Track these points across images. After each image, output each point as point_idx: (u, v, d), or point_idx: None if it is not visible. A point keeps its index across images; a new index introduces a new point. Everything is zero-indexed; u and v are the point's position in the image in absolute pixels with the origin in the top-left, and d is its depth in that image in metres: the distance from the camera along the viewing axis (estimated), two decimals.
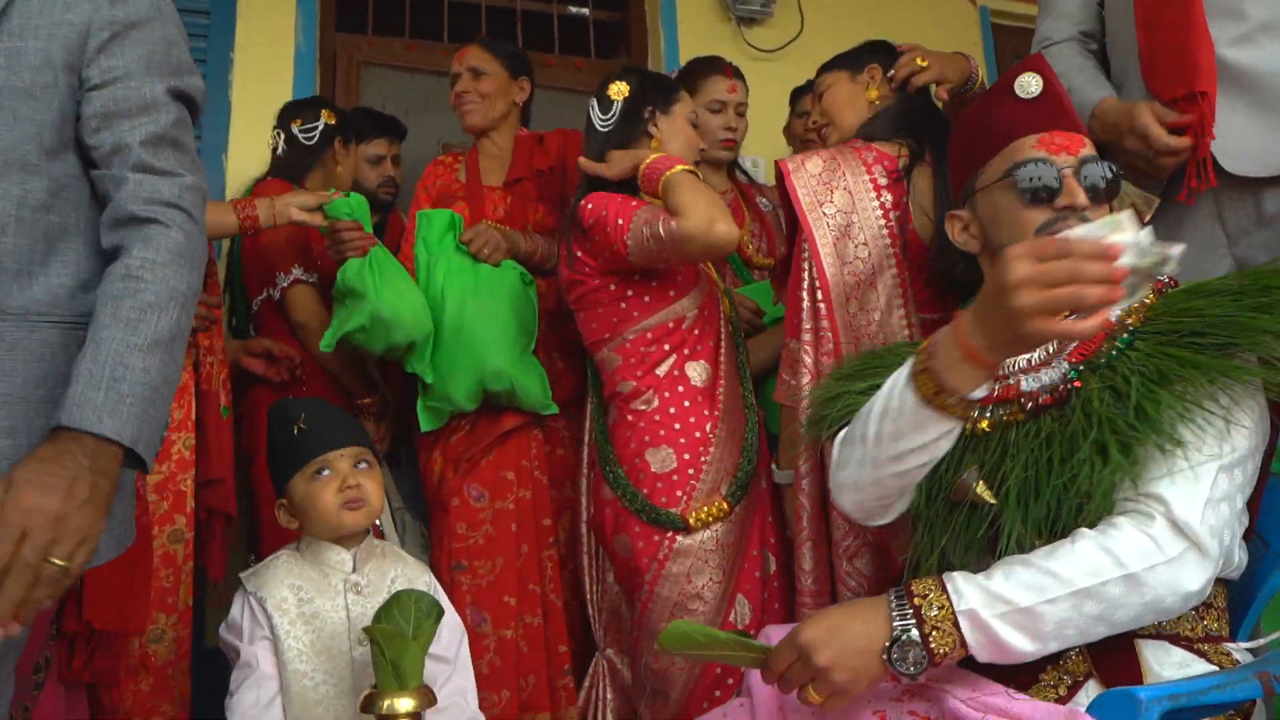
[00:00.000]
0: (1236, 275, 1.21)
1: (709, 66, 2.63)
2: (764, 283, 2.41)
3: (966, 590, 1.08)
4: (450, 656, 1.65)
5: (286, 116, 2.61)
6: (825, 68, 2.13)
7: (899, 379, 1.15)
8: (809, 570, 1.76)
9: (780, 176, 1.87)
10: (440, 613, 1.51)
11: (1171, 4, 1.63)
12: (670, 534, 1.86)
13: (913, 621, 1.08)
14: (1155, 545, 1.07)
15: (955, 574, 1.11)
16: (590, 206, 1.92)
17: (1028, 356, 1.29)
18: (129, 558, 1.40)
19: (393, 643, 1.42)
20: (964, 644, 1.07)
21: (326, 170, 2.58)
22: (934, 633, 1.07)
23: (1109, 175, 1.28)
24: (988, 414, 1.27)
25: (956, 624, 1.07)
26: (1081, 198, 1.25)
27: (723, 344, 2.00)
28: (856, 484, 1.27)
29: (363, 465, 1.66)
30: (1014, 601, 1.06)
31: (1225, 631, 1.21)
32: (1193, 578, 1.06)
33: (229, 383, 2.22)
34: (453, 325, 2.19)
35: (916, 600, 1.09)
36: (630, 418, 1.93)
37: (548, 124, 2.88)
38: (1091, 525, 1.12)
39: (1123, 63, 1.81)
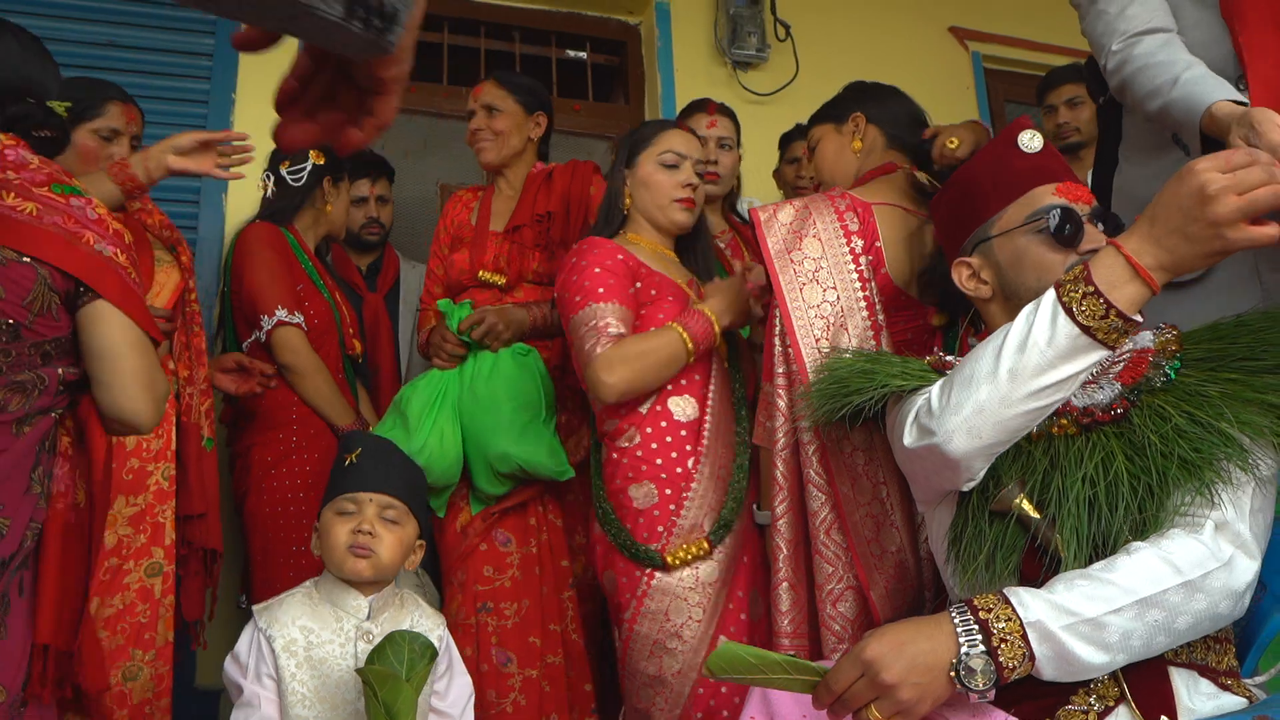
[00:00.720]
0: (1260, 314, 1.25)
1: (691, 108, 2.72)
2: None
3: (1032, 603, 1.07)
4: (455, 714, 1.63)
5: (275, 159, 2.62)
6: (812, 120, 2.18)
7: (1042, 312, 1.17)
8: (785, 612, 1.75)
9: (752, 226, 1.91)
10: (434, 655, 1.50)
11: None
12: (649, 571, 1.86)
13: (979, 636, 1.06)
14: (1209, 552, 1.09)
15: (1018, 589, 1.10)
16: (565, 270, 2.00)
17: None
18: (53, 566, 1.36)
19: (385, 684, 1.40)
20: (1032, 657, 1.06)
21: (316, 210, 2.59)
22: (1002, 645, 1.05)
23: (1114, 223, 1.36)
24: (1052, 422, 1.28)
25: (1025, 636, 1.05)
26: (1103, 241, 1.28)
27: (713, 380, 2.00)
28: (973, 428, 1.21)
29: (389, 515, 1.64)
30: (1079, 613, 1.06)
31: (1237, 665, 1.22)
32: (1241, 577, 1.10)
33: (212, 414, 2.20)
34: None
35: (982, 615, 1.08)
36: (615, 455, 1.94)
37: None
38: (1144, 538, 1.14)
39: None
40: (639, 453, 1.90)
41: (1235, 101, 1.46)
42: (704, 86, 3.59)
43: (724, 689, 1.79)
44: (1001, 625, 1.06)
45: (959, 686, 1.05)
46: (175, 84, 3.21)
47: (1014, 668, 1.05)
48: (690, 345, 1.88)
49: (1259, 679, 1.21)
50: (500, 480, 2.22)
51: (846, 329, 1.79)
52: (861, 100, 2.09)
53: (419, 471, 1.86)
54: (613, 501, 1.92)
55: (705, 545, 1.85)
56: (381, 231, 2.97)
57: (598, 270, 1.94)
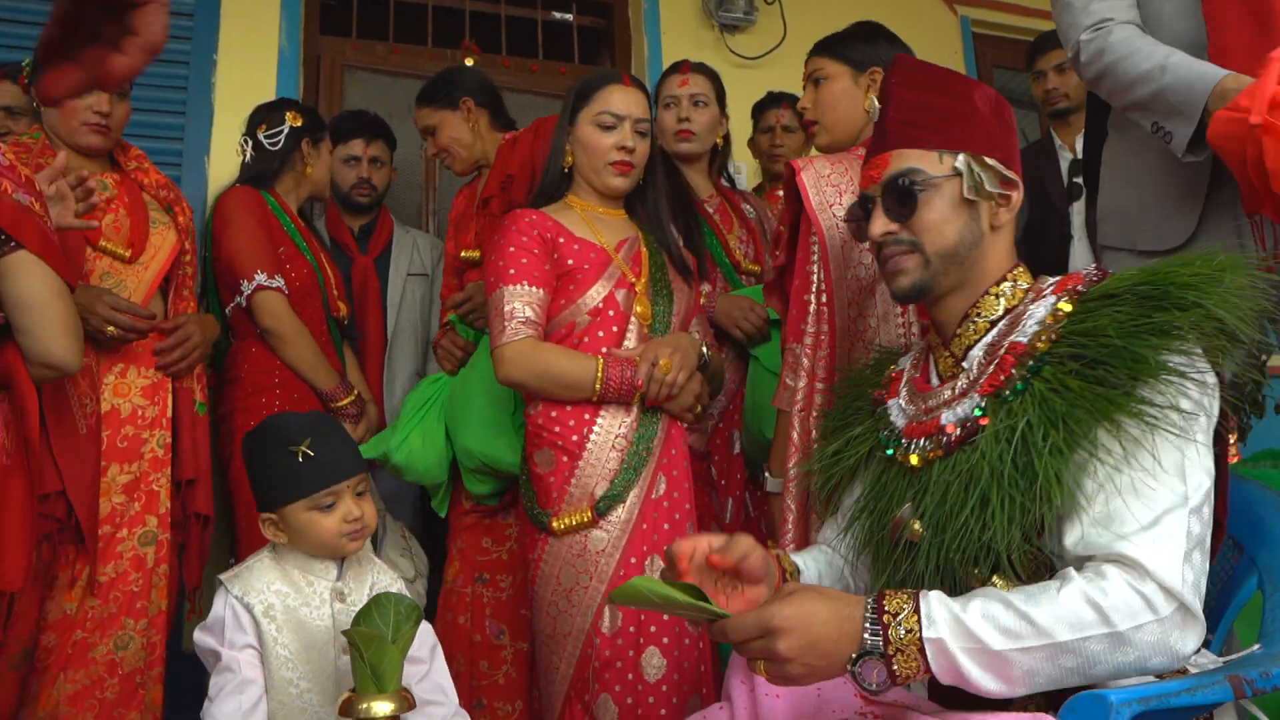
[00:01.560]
0: (1146, 272, 1.17)
1: (667, 72, 2.68)
2: (755, 287, 2.42)
3: (939, 616, 1.05)
4: (424, 656, 1.64)
5: (253, 122, 2.60)
6: (825, 50, 1.99)
7: None
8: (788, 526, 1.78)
9: (791, 174, 1.86)
10: (419, 616, 1.51)
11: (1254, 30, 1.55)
12: (543, 535, 1.90)
13: (880, 639, 1.05)
14: (1145, 604, 1.02)
15: (932, 595, 1.07)
16: (487, 247, 2.00)
17: (950, 387, 1.28)
18: None
19: (371, 645, 1.41)
20: (927, 669, 1.04)
21: (297, 173, 2.57)
22: (898, 655, 1.04)
23: (902, 195, 1.32)
24: (916, 448, 1.27)
25: (922, 649, 1.04)
26: (875, 231, 1.33)
27: (629, 345, 1.97)
28: None
29: (360, 489, 1.63)
30: (986, 643, 1.03)
31: None
32: (1185, 641, 1.03)
33: (204, 378, 2.20)
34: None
35: (886, 618, 1.06)
36: (526, 421, 1.98)
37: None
38: (1010, 570, 1.11)
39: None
40: (540, 420, 1.92)
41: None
42: (691, 49, 3.56)
43: (607, 651, 1.81)
44: (902, 634, 1.04)
45: (852, 681, 1.06)
46: None
47: (909, 675, 1.04)
48: (599, 388, 1.88)
49: (1234, 657, 1.18)
50: (476, 478, 2.25)
51: (874, 294, 1.79)
52: (881, 53, 1.95)
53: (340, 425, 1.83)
54: (525, 466, 1.96)
55: (588, 514, 1.86)
56: (373, 193, 2.93)
57: (511, 249, 1.93)
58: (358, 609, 1.58)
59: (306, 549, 1.61)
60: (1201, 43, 1.63)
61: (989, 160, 1.29)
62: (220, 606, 1.56)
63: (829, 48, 1.98)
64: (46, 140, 2.11)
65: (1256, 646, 1.16)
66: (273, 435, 1.61)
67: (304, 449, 1.59)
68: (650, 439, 1.92)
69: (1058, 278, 1.28)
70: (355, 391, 2.48)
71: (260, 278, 2.33)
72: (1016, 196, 1.31)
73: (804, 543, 1.77)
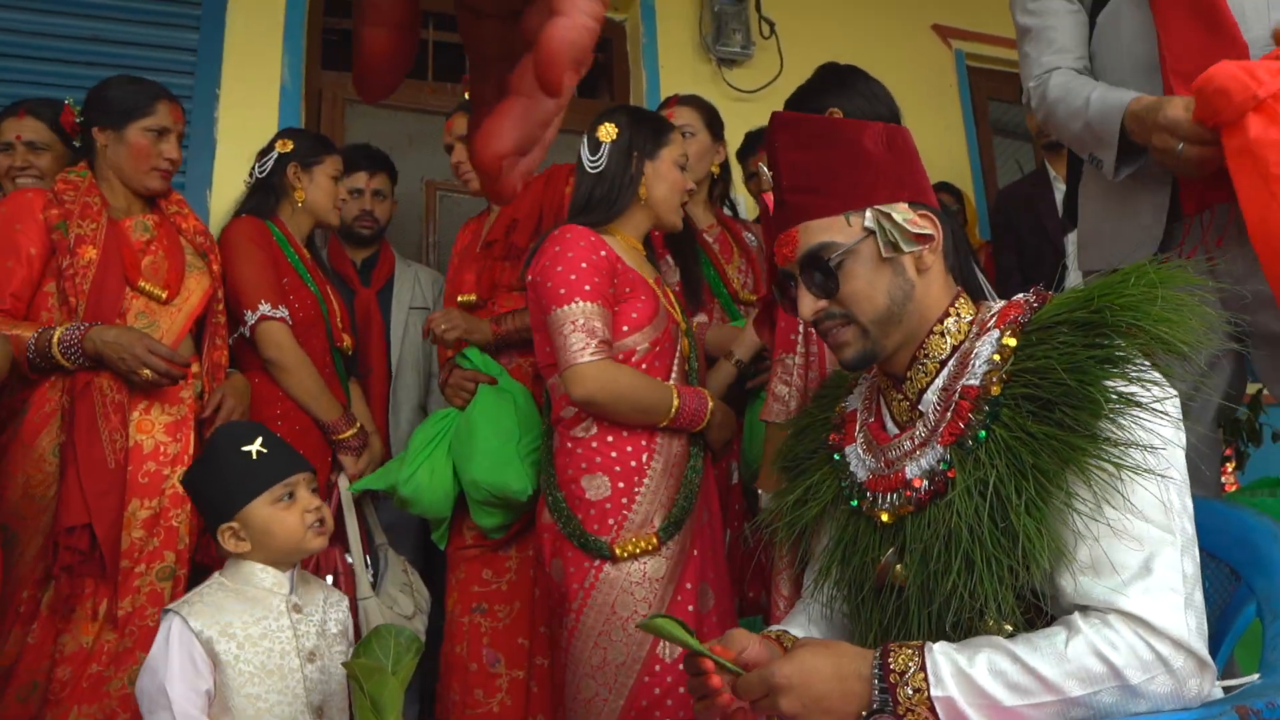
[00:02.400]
0: (1083, 297, 1.15)
1: (660, 106, 2.70)
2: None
3: (946, 674, 1.03)
4: None
5: (258, 155, 2.65)
6: (813, 100, 2.00)
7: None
8: (787, 596, 1.75)
9: (766, 207, 1.89)
10: (420, 649, 1.51)
11: (1209, 55, 1.57)
12: (598, 562, 1.85)
13: (889, 698, 1.03)
14: (1157, 658, 0.99)
15: (936, 650, 1.05)
16: (547, 256, 1.95)
17: (910, 437, 1.24)
18: None
19: (372, 678, 1.41)
20: None
21: (291, 200, 2.57)
22: (909, 715, 1.02)
23: (817, 266, 1.28)
24: (886, 503, 1.24)
25: (932, 709, 1.02)
26: (813, 303, 1.28)
27: (674, 375, 2.01)
28: None
29: (313, 486, 1.68)
30: (996, 699, 1.00)
31: None
32: (1202, 687, 1.01)
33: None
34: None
35: (892, 678, 1.04)
36: (569, 444, 1.94)
37: None
38: (1000, 619, 1.09)
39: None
40: (594, 444, 1.90)
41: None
42: (688, 83, 3.60)
43: (670, 679, 1.80)
44: (910, 693, 1.03)
45: None
46: (159, 79, 3.13)
47: None
48: (672, 415, 1.91)
49: (1236, 681, 1.17)
50: (484, 510, 2.25)
51: None
52: (842, 90, 1.98)
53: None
54: (564, 490, 1.93)
55: (654, 540, 1.85)
56: (375, 225, 2.95)
57: (584, 265, 1.90)
58: (314, 619, 1.63)
59: (270, 552, 1.62)
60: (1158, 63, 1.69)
61: (898, 209, 1.25)
62: (173, 644, 1.52)
63: (817, 98, 2.01)
64: (94, 179, 2.16)
65: (1256, 676, 1.16)
66: (223, 442, 1.64)
67: (257, 447, 1.62)
68: (700, 467, 1.96)
69: (1000, 305, 1.26)
70: (358, 424, 2.47)
71: (264, 308, 2.33)
72: (937, 235, 1.26)
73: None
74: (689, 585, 1.88)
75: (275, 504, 1.61)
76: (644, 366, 1.94)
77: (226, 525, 1.61)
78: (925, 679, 1.03)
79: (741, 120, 3.43)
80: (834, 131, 1.29)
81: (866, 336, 1.25)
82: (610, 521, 1.86)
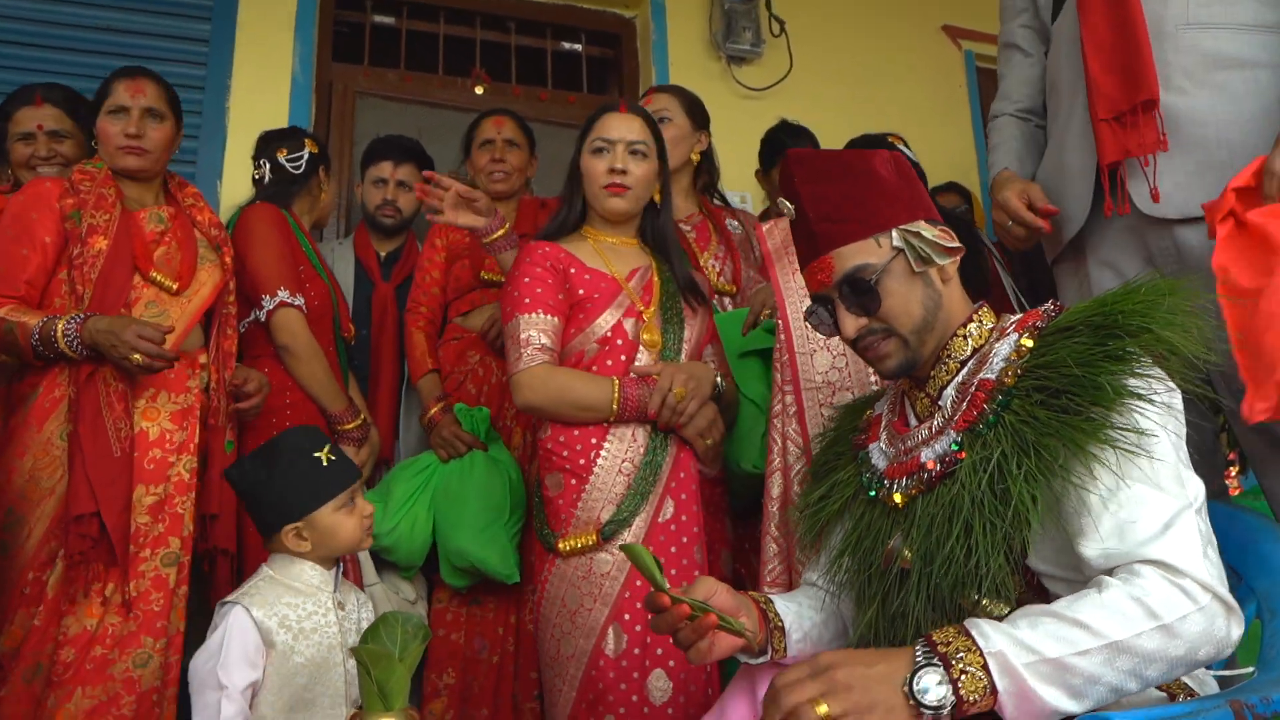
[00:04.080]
0: (1096, 304, 1.23)
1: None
2: (740, 310, 2.40)
3: (993, 634, 1.03)
4: None
5: (269, 145, 2.66)
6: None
7: None
8: (767, 561, 1.83)
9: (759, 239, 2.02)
10: (427, 635, 1.52)
11: (1117, 29, 1.74)
12: (551, 556, 1.94)
13: (938, 663, 1.03)
14: (1184, 595, 1.03)
15: (978, 620, 1.06)
16: (506, 277, 2.08)
17: (927, 427, 1.31)
18: None
19: (379, 663, 1.42)
20: (994, 690, 1.01)
21: (312, 198, 2.65)
22: (963, 676, 1.01)
23: (860, 287, 1.35)
24: (900, 487, 1.30)
25: (986, 668, 1.01)
26: (855, 321, 1.35)
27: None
28: None
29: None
30: (1042, 652, 1.01)
31: None
32: (1230, 628, 1.05)
33: (234, 417, 2.22)
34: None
35: (940, 648, 1.04)
36: (537, 443, 2.03)
37: (539, 156, 2.95)
38: (996, 593, 1.13)
39: (1061, 130, 1.95)
40: (549, 444, 1.97)
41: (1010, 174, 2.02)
42: (698, 80, 3.60)
43: (612, 674, 1.82)
44: (961, 656, 1.02)
45: (913, 703, 1.02)
46: (171, 69, 3.15)
47: (975, 701, 1.01)
48: (616, 408, 1.92)
49: (1229, 672, 1.21)
50: (459, 574, 2.33)
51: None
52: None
53: None
54: (538, 488, 2.01)
55: (594, 537, 1.89)
56: (398, 216, 2.92)
57: (526, 280, 2.00)
58: (353, 616, 1.71)
59: (327, 551, 1.72)
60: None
61: (923, 227, 1.33)
62: (235, 631, 1.61)
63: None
64: (109, 171, 2.16)
65: (1252, 670, 1.18)
66: (294, 447, 1.73)
67: (327, 454, 1.71)
68: (659, 464, 1.94)
69: (1019, 316, 1.34)
70: (362, 415, 2.50)
71: (283, 294, 2.35)
72: (955, 246, 1.34)
73: (783, 534, 1.81)
74: (637, 582, 1.86)
75: (339, 509, 1.72)
76: (595, 367, 1.98)
77: (292, 526, 1.70)
78: (973, 642, 1.03)
79: (750, 118, 3.44)
80: (848, 163, 1.39)
81: (907, 347, 1.33)
82: (563, 517, 1.92)
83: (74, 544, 1.85)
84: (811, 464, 1.59)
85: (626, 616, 1.85)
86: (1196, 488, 1.12)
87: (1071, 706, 1.02)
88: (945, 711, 1.01)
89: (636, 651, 1.83)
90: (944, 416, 1.30)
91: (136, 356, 1.89)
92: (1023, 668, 1.01)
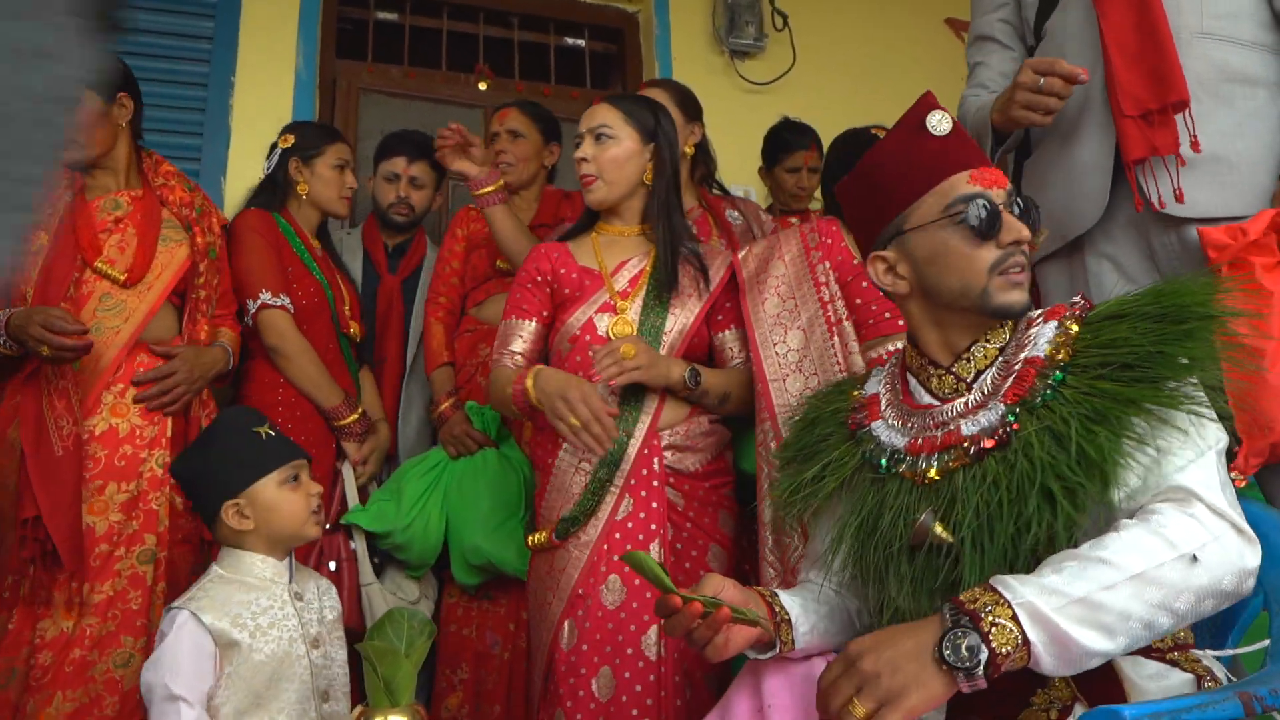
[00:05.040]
0: (1151, 295, 1.22)
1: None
2: None
3: (1019, 587, 1.03)
4: None
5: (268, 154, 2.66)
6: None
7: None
8: (767, 584, 1.81)
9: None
10: (433, 632, 1.53)
11: (1141, 30, 1.73)
12: (532, 554, 2.03)
13: (968, 621, 1.01)
14: (1199, 524, 1.06)
15: (1004, 576, 1.06)
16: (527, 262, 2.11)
17: (964, 399, 1.28)
18: None
19: (385, 660, 1.43)
20: (1027, 642, 1.00)
21: (296, 195, 2.57)
22: (993, 629, 1.00)
23: (1031, 204, 1.32)
24: (934, 462, 1.26)
25: (1016, 619, 1.00)
26: (1025, 232, 1.27)
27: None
28: None
29: (307, 473, 1.74)
30: (1069, 593, 1.01)
31: (1191, 639, 1.24)
32: (1245, 556, 1.06)
33: (210, 404, 2.21)
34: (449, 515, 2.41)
35: (969, 606, 1.03)
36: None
37: None
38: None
39: (1068, 126, 1.90)
40: (531, 441, 2.05)
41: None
42: (701, 75, 3.61)
43: (563, 668, 1.84)
44: (990, 609, 1.01)
45: (946, 668, 1.00)
46: (174, 66, 3.21)
47: (1008, 653, 0.99)
48: (514, 406, 1.91)
49: (1231, 652, 1.23)
50: (472, 571, 2.33)
51: (800, 319, 1.96)
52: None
53: None
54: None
55: (546, 536, 1.93)
56: (410, 213, 2.88)
57: (517, 284, 2.08)
58: (314, 607, 1.68)
59: (270, 533, 1.65)
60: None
61: None
62: (183, 640, 1.54)
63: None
64: None
65: (1265, 643, 1.21)
66: (234, 422, 1.71)
67: (266, 430, 1.69)
68: (615, 463, 1.91)
69: (1041, 310, 1.32)
70: (360, 410, 2.45)
71: (265, 296, 2.35)
72: None
73: (784, 568, 1.82)
74: (591, 579, 1.87)
75: (283, 485, 1.66)
76: (567, 365, 1.99)
77: (231, 502, 1.63)
78: (1000, 595, 1.03)
79: (753, 112, 3.44)
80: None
81: (1029, 288, 1.30)
82: (538, 514, 1.99)
83: (27, 548, 1.82)
84: (784, 449, 1.53)
85: (579, 613, 1.86)
86: (1214, 432, 1.15)
87: (1107, 645, 1.01)
88: (980, 670, 1.00)
89: (585, 647, 1.84)
90: (984, 393, 1.26)
91: (44, 349, 1.86)
92: (1053, 613, 1.00)
